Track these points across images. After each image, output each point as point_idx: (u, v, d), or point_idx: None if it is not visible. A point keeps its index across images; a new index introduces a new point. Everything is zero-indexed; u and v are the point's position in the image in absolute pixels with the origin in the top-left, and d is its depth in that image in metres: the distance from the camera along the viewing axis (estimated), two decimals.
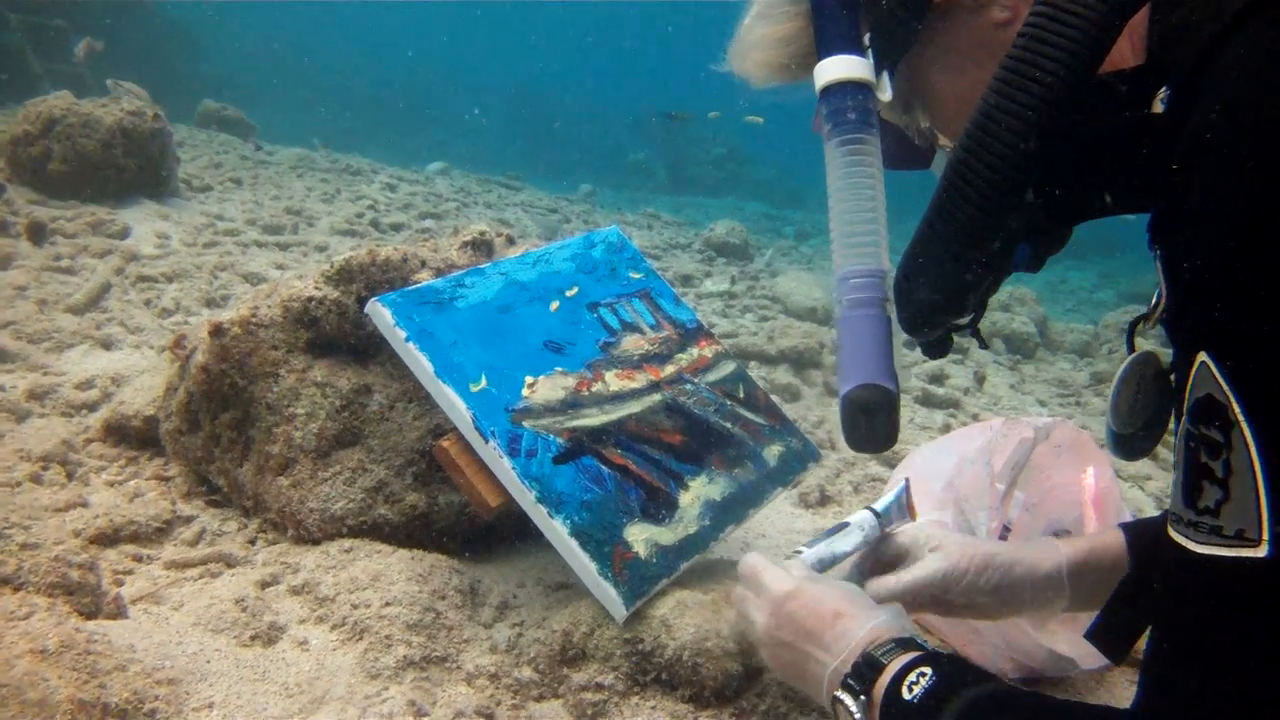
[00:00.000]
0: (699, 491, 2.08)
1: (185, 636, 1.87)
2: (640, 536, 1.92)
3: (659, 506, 1.99)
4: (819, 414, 3.95)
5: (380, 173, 8.47)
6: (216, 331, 2.20)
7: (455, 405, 1.91)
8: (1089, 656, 2.20)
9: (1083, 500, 2.35)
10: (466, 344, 2.01)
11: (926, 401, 4.39)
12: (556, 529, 1.85)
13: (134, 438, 2.68)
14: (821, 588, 1.70)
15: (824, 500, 3.19)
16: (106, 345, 3.49)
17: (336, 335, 2.24)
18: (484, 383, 1.97)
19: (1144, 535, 1.84)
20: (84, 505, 2.35)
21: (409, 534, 2.24)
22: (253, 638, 1.91)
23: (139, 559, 2.20)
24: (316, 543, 2.18)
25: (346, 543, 2.15)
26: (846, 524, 1.97)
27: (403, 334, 1.95)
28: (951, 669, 1.40)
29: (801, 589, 1.69)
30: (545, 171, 15.06)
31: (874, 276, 1.49)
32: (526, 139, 21.24)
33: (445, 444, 1.96)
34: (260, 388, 2.20)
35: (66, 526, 2.21)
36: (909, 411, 4.18)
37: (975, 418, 4.37)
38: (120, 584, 2.08)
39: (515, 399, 1.98)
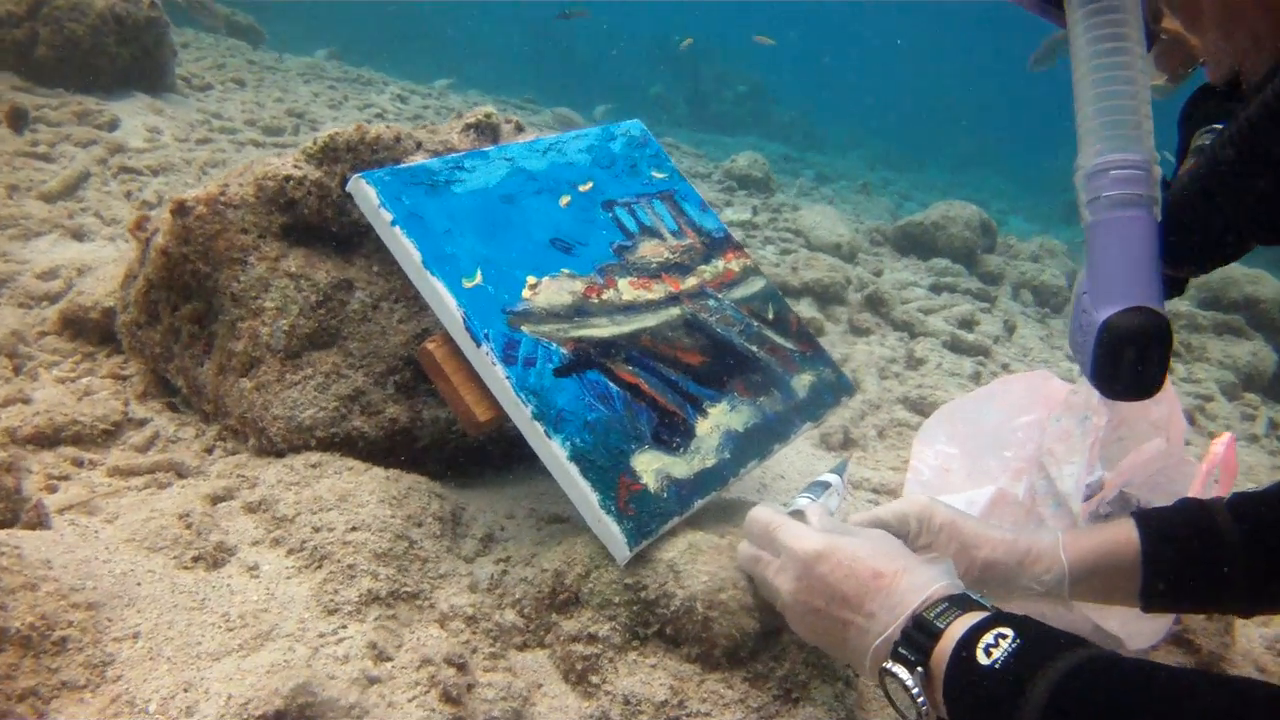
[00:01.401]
0: (719, 420, 1.81)
1: (115, 554, 1.61)
2: (650, 466, 1.66)
3: (673, 433, 1.73)
4: (843, 351, 3.67)
5: (391, 85, 8.12)
6: (179, 210, 1.92)
7: (445, 301, 1.63)
8: (1139, 635, 1.96)
9: (1200, 471, 2.07)
10: (462, 234, 1.73)
11: (955, 347, 4.12)
12: (554, 451, 1.58)
13: (92, 331, 2.41)
14: (853, 542, 1.47)
15: (847, 443, 2.92)
16: (78, 236, 3.20)
17: (316, 221, 1.96)
18: (479, 279, 1.69)
19: (1164, 532, 1.60)
20: (25, 401, 2.09)
21: (387, 451, 1.98)
22: (195, 559, 1.66)
23: (79, 463, 1.94)
24: (280, 454, 1.92)
25: (314, 456, 1.88)
26: (828, 483, 1.75)
27: (389, 216, 1.67)
28: (1037, 631, 1.19)
29: (832, 547, 1.45)
30: (565, 99, 14.64)
31: (1140, 169, 1.16)
32: (545, 66, 20.77)
33: (431, 346, 1.69)
34: (225, 276, 1.92)
35: None
36: (937, 356, 3.91)
37: (1005, 368, 4.10)
38: (53, 490, 1.83)
39: (514, 300, 1.70)
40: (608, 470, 1.60)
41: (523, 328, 1.67)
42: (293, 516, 1.74)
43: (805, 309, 4.04)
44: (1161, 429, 2.19)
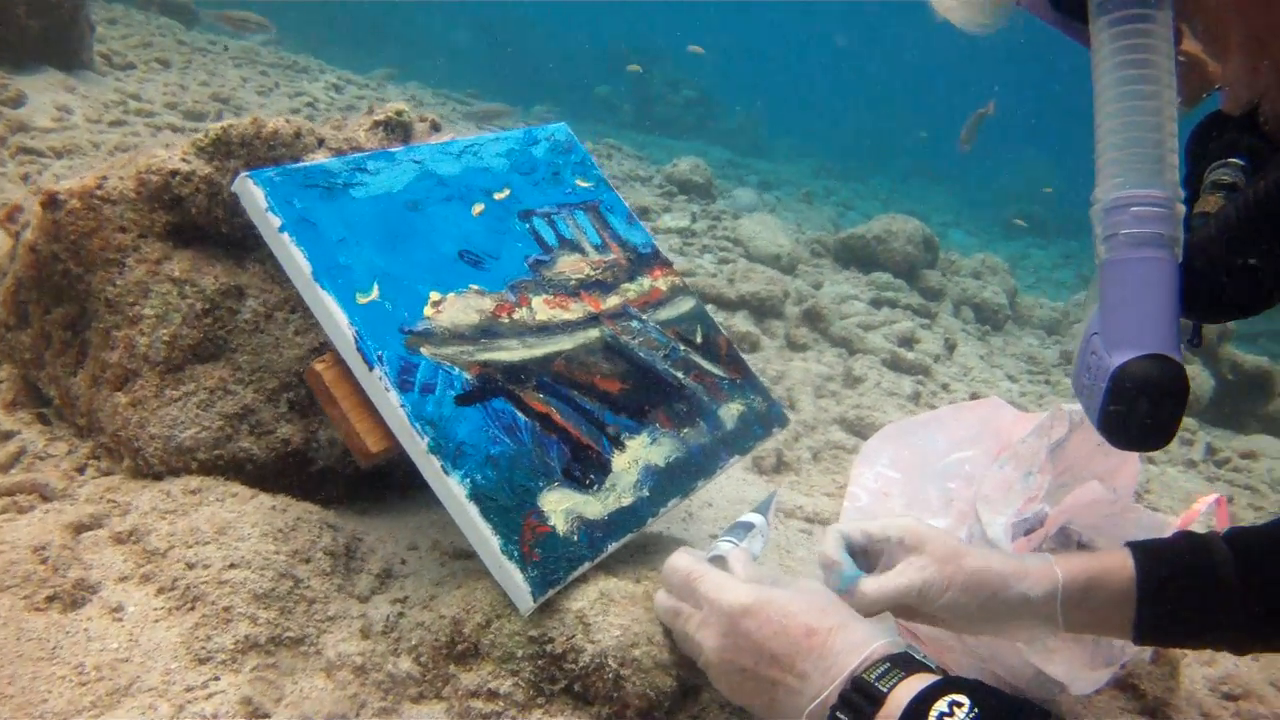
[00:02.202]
0: (638, 453, 1.67)
1: None
2: (560, 506, 1.51)
3: (587, 469, 1.58)
4: (779, 368, 3.56)
5: (328, 73, 7.88)
6: (50, 203, 1.74)
7: (335, 318, 1.48)
8: (1082, 681, 1.86)
9: (1171, 524, 1.98)
10: (359, 243, 1.57)
11: (895, 365, 4.03)
12: (451, 489, 1.43)
13: None
14: (783, 595, 1.35)
15: (780, 467, 2.80)
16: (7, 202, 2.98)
17: (205, 222, 1.79)
18: (375, 293, 1.53)
19: (1159, 562, 1.50)
20: None
21: (278, 474, 1.81)
22: (50, 599, 1.48)
23: None
24: (159, 477, 1.75)
25: (194, 481, 1.71)
26: (750, 524, 1.63)
27: (276, 222, 1.51)
28: (996, 701, 1.10)
29: (760, 601, 1.33)
30: (508, 95, 14.44)
31: (1163, 206, 1.07)
32: (492, 62, 20.52)
33: (320, 367, 1.53)
34: (100, 279, 1.75)
35: None
36: (875, 374, 3.81)
37: (944, 388, 4.01)
38: None
39: (414, 318, 1.55)
40: (511, 511, 1.45)
41: (422, 349, 1.52)
42: (165, 550, 1.57)
43: (741, 322, 3.92)
44: (1107, 478, 2.10)
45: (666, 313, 1.95)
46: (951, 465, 2.38)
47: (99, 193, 1.73)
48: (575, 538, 1.49)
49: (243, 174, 1.52)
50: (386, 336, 1.49)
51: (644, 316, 1.89)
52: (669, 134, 16.51)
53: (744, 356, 3.69)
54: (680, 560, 1.46)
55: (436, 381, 1.50)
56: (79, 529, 1.63)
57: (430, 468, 1.44)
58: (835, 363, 3.87)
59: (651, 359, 1.83)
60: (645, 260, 2.01)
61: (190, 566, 1.53)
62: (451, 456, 1.45)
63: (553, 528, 1.48)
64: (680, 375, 1.85)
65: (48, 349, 1.86)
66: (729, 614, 1.33)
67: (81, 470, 1.83)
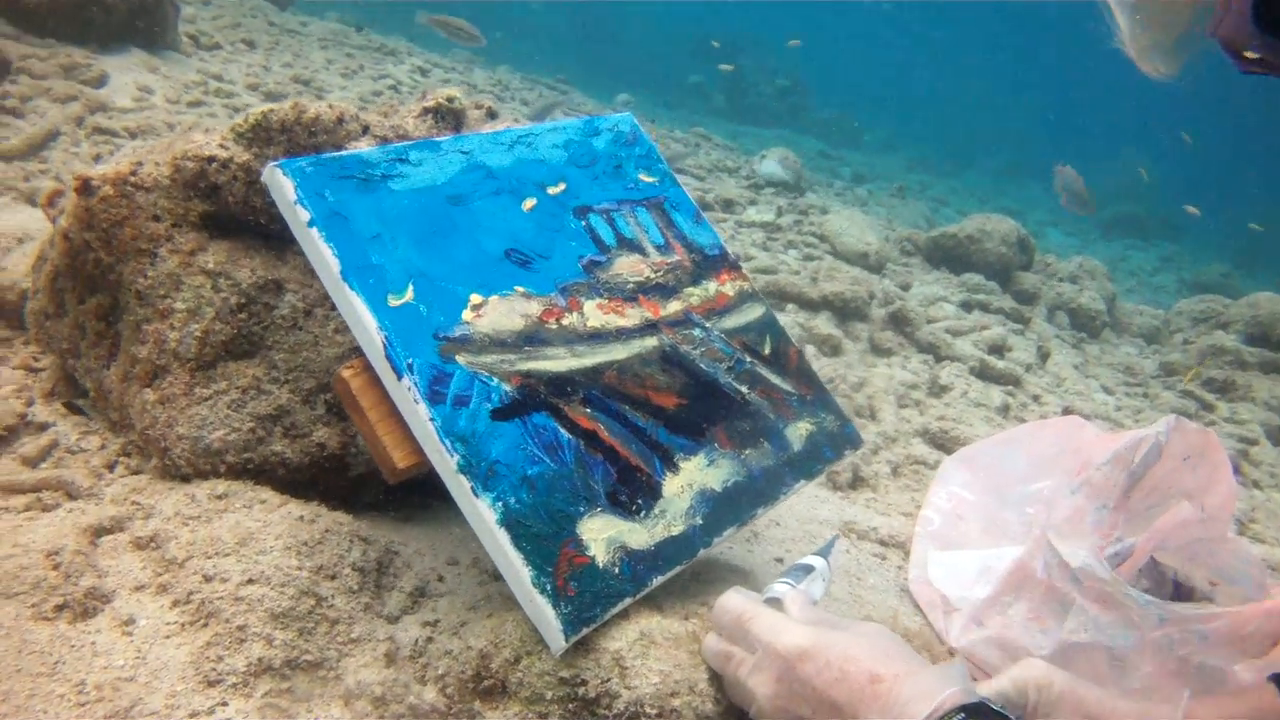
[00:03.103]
0: (693, 476, 1.53)
1: None
2: (601, 534, 1.38)
3: (634, 493, 1.45)
4: (860, 374, 3.38)
5: (415, 56, 7.83)
6: (84, 188, 1.66)
7: (363, 322, 1.36)
8: None
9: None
10: (395, 240, 1.45)
11: (984, 374, 3.82)
12: (481, 513, 1.31)
13: (11, 314, 2.16)
14: (845, 638, 1.21)
15: (857, 483, 2.64)
16: (31, 200, 2.95)
17: (243, 212, 1.69)
18: (409, 295, 1.41)
19: None
20: None
21: (313, 480, 1.72)
22: (58, 608, 1.39)
23: None
24: (186, 479, 1.66)
25: (222, 485, 1.62)
26: (811, 566, 1.47)
27: (305, 215, 1.39)
28: None
29: (820, 644, 1.19)
30: (600, 82, 14.32)
31: None
32: (586, 48, 20.43)
33: (347, 374, 1.41)
34: (131, 269, 1.66)
35: None
36: (963, 383, 3.60)
37: (1036, 399, 3.79)
38: None
39: (451, 323, 1.43)
40: (547, 539, 1.32)
41: (458, 357, 1.39)
42: (184, 560, 1.47)
43: (823, 324, 3.74)
44: (1197, 495, 1.90)
45: (733, 321, 1.80)
46: (1029, 487, 2.22)
47: (133, 179, 1.64)
48: (616, 570, 1.36)
49: (272, 163, 1.41)
50: (419, 343, 1.37)
51: (708, 324, 1.75)
52: (761, 123, 16.25)
53: (824, 360, 3.53)
54: (732, 600, 1.32)
55: (472, 393, 1.38)
56: (99, 532, 1.54)
57: (459, 489, 1.32)
58: (921, 369, 3.68)
59: (714, 371, 1.69)
60: (712, 263, 1.86)
61: (207, 579, 1.43)
62: (483, 477, 1.32)
63: (592, 559, 1.34)
64: (745, 390, 1.70)
65: (83, 339, 1.79)
66: (785, 658, 1.21)
67: (111, 467, 1.75)
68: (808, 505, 2.36)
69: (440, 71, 7.52)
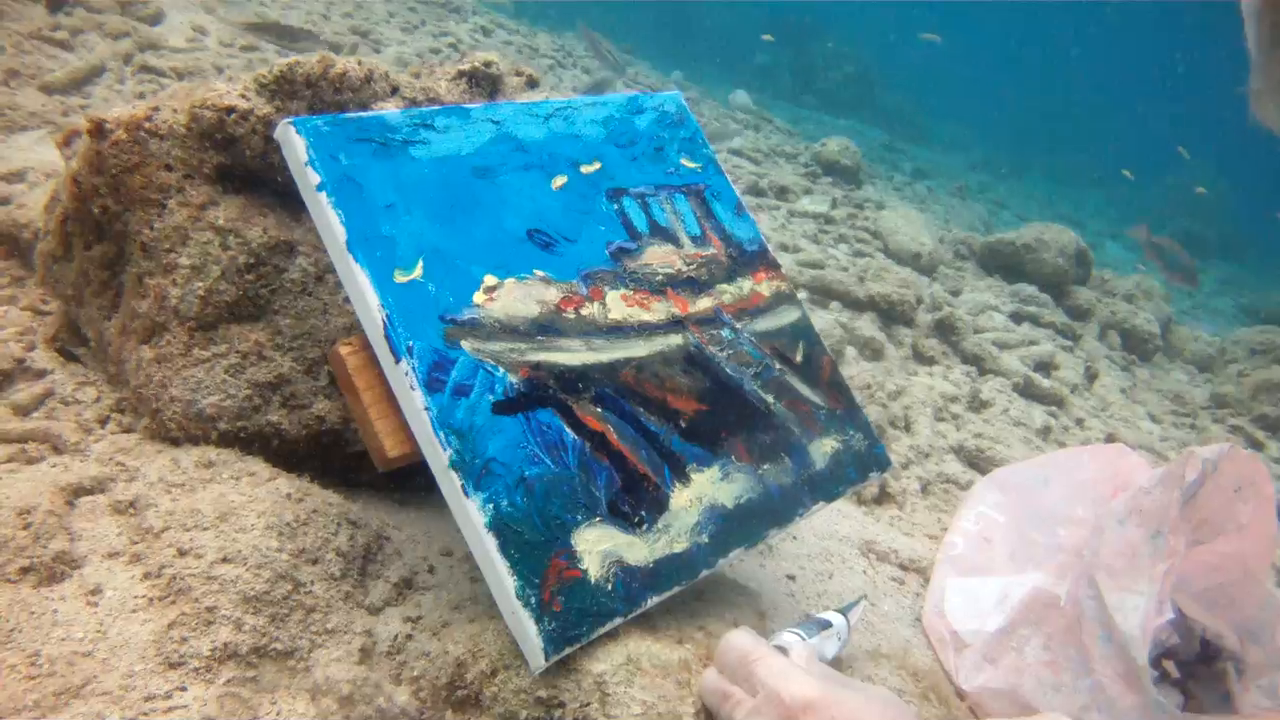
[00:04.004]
0: (704, 490, 1.43)
1: None
2: (597, 546, 1.28)
3: (638, 503, 1.35)
4: (900, 382, 3.25)
5: (480, 15, 7.72)
6: (97, 131, 1.58)
7: (365, 297, 1.27)
8: None
9: None
10: (409, 211, 1.36)
11: (1027, 392, 3.68)
12: (470, 514, 1.21)
13: (26, 253, 2.09)
14: (854, 696, 1.11)
15: (883, 498, 2.53)
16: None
17: (259, 167, 1.61)
18: (418, 271, 1.32)
19: None
20: None
21: (309, 454, 1.64)
22: (24, 571, 1.32)
23: None
24: (176, 443, 1.58)
25: (212, 452, 1.54)
26: (828, 622, 1.37)
27: (315, 178, 1.30)
28: None
29: (828, 699, 1.10)
30: (668, 54, 14.15)
31: None
32: (657, 19, 20.21)
33: (344, 350, 1.32)
34: (137, 219, 1.58)
35: None
36: (1005, 400, 3.47)
37: (1079, 423, 3.65)
38: None
39: (461, 304, 1.33)
40: (537, 547, 1.23)
41: (463, 343, 1.30)
42: (160, 530, 1.40)
43: (866, 326, 3.62)
44: (1245, 529, 1.78)
45: (765, 323, 1.69)
46: (1065, 515, 2.09)
47: (147, 125, 1.56)
48: (609, 586, 1.26)
49: (285, 120, 1.32)
50: (422, 324, 1.28)
51: (738, 325, 1.64)
52: (826, 109, 16.00)
53: (865, 364, 3.41)
54: (739, 639, 1.23)
55: (474, 383, 1.28)
56: (78, 492, 1.47)
57: (449, 485, 1.23)
58: (963, 381, 3.54)
59: (740, 377, 1.58)
60: (749, 259, 1.75)
61: (182, 554, 1.36)
62: (476, 475, 1.23)
63: (584, 572, 1.25)
64: (770, 399, 1.60)
65: (87, 287, 1.72)
66: (788, 707, 1.11)
67: (103, 423, 1.68)
68: (828, 520, 2.25)
69: (504, 33, 7.41)
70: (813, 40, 18.02)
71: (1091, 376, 4.22)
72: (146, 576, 1.35)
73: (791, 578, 1.94)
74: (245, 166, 1.59)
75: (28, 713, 1.16)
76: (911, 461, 2.76)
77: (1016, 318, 4.68)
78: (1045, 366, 4.02)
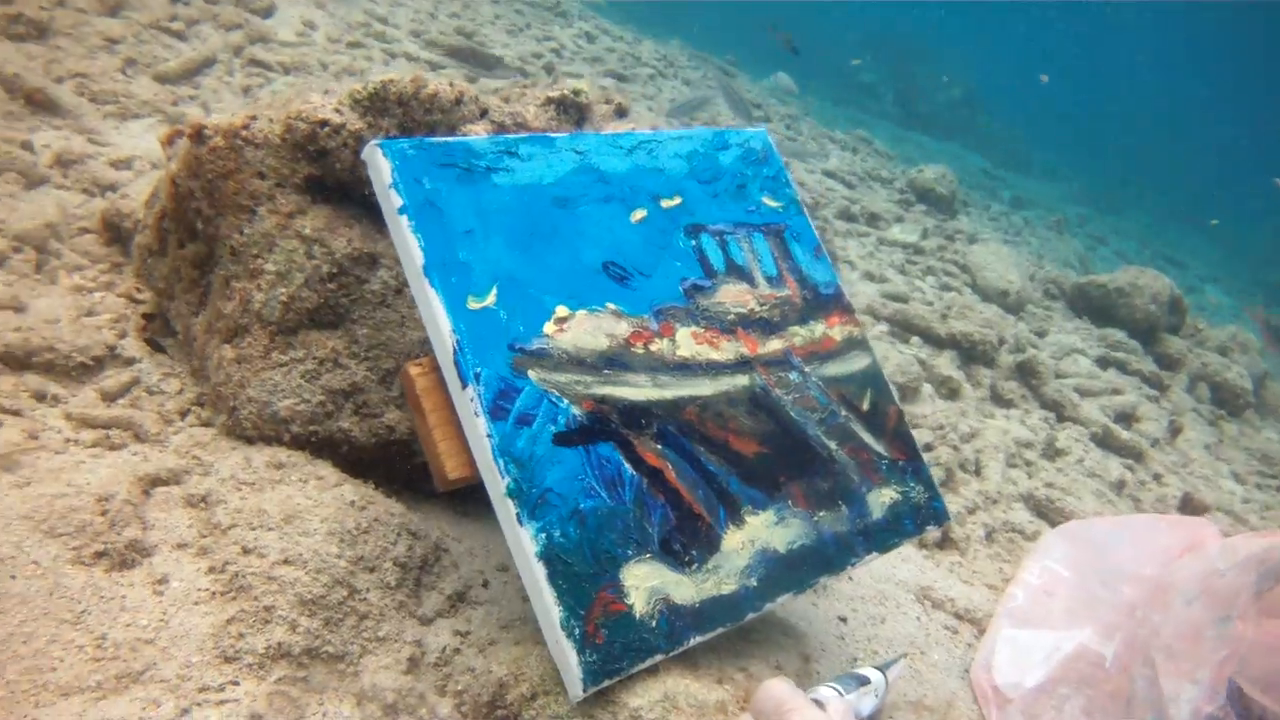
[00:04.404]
0: (757, 533, 1.44)
1: (2, 532, 1.35)
2: (645, 582, 1.30)
3: (690, 542, 1.36)
4: (974, 424, 3.22)
5: (587, 20, 7.79)
6: (197, 136, 1.64)
7: (438, 322, 1.30)
8: None
9: None
10: (488, 238, 1.39)
11: (1104, 442, 3.60)
12: (522, 542, 1.24)
13: (126, 241, 2.18)
14: None
15: (945, 543, 2.50)
16: (176, 124, 3.00)
17: (348, 180, 1.65)
18: (491, 299, 1.35)
19: None
20: (17, 309, 1.86)
21: (376, 461, 1.68)
22: (98, 555, 1.38)
23: (41, 397, 1.70)
24: (250, 442, 1.64)
25: (283, 454, 1.59)
26: (866, 678, 1.37)
27: (398, 201, 1.34)
28: None
29: None
30: (771, 68, 14.09)
31: None
32: (758, 32, 20.14)
33: (414, 370, 1.36)
34: (228, 224, 1.64)
35: None
36: (1081, 449, 3.41)
37: (1156, 478, 3.56)
38: None
39: (531, 334, 1.36)
40: (585, 580, 1.25)
41: (530, 372, 1.33)
42: (228, 527, 1.45)
43: (945, 365, 3.58)
44: None
45: (835, 368, 1.69)
46: (1129, 565, 2.05)
47: (244, 133, 1.62)
48: (654, 623, 1.28)
49: (373, 142, 1.36)
50: (491, 351, 1.31)
51: (807, 369, 1.65)
52: (928, 132, 15.80)
53: (940, 403, 3.38)
54: (777, 688, 1.23)
55: (538, 413, 1.31)
56: (155, 482, 1.53)
57: (505, 512, 1.25)
58: (1039, 428, 3.49)
59: (804, 421, 1.59)
60: (824, 302, 1.75)
61: (246, 551, 1.41)
62: (532, 505, 1.25)
63: (629, 607, 1.27)
64: (833, 445, 1.60)
65: (178, 283, 1.78)
66: None
67: (184, 415, 1.75)
68: (886, 562, 2.24)
69: (608, 39, 7.46)
70: (918, 61, 17.82)
71: (1175, 430, 4.12)
72: (211, 571, 1.40)
73: (843, 619, 1.93)
74: (335, 178, 1.64)
75: (90, 693, 1.22)
76: (978, 507, 2.73)
77: (1103, 362, 4.59)
78: (1126, 417, 3.94)
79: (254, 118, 1.63)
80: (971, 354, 3.76)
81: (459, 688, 1.38)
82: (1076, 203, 14.04)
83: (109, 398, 1.73)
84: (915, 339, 3.78)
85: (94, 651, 1.27)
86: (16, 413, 1.64)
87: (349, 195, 1.67)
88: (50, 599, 1.30)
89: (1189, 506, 3.32)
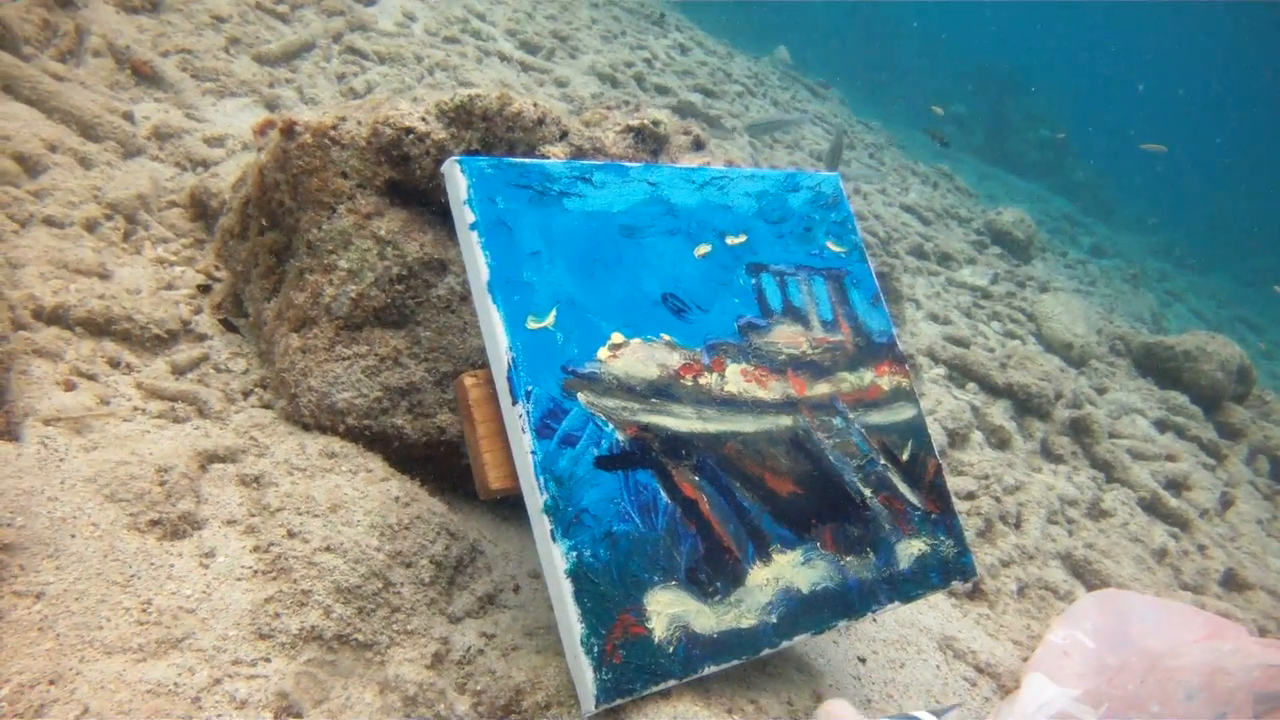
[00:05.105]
0: (782, 571, 1.47)
1: (66, 492, 1.43)
2: (668, 609, 1.34)
3: (716, 574, 1.40)
4: (1020, 477, 3.21)
5: (683, 31, 7.84)
6: (288, 131, 1.71)
7: (496, 338, 1.36)
8: None
9: None
10: (553, 261, 1.44)
11: (1151, 508, 3.57)
12: (554, 558, 1.29)
13: (212, 219, 2.26)
14: None
15: (976, 594, 2.51)
16: (270, 106, 3.10)
17: (427, 188, 1.72)
18: (550, 320, 1.40)
19: None
20: (103, 276, 1.95)
21: (426, 459, 1.74)
22: (152, 523, 1.45)
23: (115, 364, 1.78)
24: (307, 428, 1.71)
25: (336, 444, 1.66)
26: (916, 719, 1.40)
27: (470, 217, 1.40)
28: None
29: None
30: (864, 92, 14.07)
31: None
32: (857, 56, 20.04)
33: (469, 381, 1.41)
34: (308, 219, 1.71)
35: (50, 294, 1.81)
36: (1126, 512, 3.39)
37: (1201, 549, 3.52)
38: (70, 387, 1.67)
39: (585, 357, 1.41)
40: (610, 601, 1.30)
41: (579, 395, 1.38)
42: (276, 509, 1.52)
43: (997, 413, 3.58)
44: None
45: (879, 417, 1.72)
46: (1150, 644, 2.06)
47: (333, 133, 1.69)
48: (671, 649, 1.32)
49: (453, 158, 1.42)
50: (544, 371, 1.36)
51: (851, 415, 1.68)
52: (1015, 170, 15.64)
53: (988, 452, 3.38)
54: (836, 708, 1.27)
55: (582, 435, 1.36)
56: (212, 458, 1.60)
57: (540, 528, 1.30)
58: (1086, 486, 3.47)
59: (842, 467, 1.62)
60: (876, 350, 1.78)
61: (291, 535, 1.47)
62: (567, 523, 1.30)
63: (649, 631, 1.31)
64: (868, 493, 1.63)
65: (255, 268, 1.86)
66: None
67: (247, 395, 1.82)
68: (912, 607, 2.26)
69: (700, 52, 7.50)
70: (1012, 97, 17.63)
71: (1227, 502, 4.07)
72: (256, 550, 1.47)
73: (862, 660, 1.96)
74: (414, 184, 1.70)
75: (132, 654, 1.28)
76: (1013, 561, 2.73)
77: (1161, 425, 4.54)
78: (1177, 485, 3.89)
79: (343, 119, 1.70)
80: (1027, 405, 3.75)
81: (479, 688, 1.43)
82: (1158, 257, 13.82)
83: (179, 371, 1.81)
84: (972, 385, 3.77)
85: (139, 615, 1.33)
86: (92, 377, 1.72)
87: (427, 201, 1.73)
88: (104, 561, 1.37)
89: (1232, 582, 3.29)
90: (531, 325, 1.38)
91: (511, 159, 1.48)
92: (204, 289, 2.00)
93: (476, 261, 1.38)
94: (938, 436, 3.19)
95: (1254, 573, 3.46)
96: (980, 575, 2.52)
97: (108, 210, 2.17)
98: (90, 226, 2.10)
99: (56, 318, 1.79)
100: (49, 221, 2.04)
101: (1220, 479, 4.33)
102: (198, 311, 1.97)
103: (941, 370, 3.86)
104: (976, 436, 3.41)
